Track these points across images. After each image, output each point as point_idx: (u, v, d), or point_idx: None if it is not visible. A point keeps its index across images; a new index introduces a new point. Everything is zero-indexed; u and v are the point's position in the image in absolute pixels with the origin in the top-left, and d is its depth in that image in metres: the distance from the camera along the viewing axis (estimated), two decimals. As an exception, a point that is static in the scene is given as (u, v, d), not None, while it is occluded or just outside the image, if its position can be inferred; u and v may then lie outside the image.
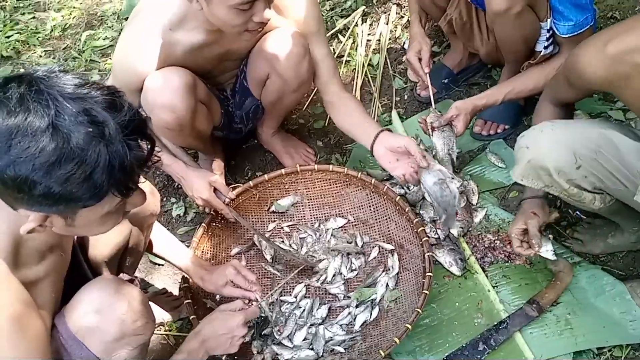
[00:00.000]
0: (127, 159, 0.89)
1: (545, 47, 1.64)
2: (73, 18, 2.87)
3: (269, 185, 1.82)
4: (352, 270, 1.69)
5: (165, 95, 1.46)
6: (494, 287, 1.60)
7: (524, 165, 1.31)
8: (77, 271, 1.20)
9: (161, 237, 1.51)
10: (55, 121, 0.84)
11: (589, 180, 1.27)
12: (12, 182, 0.85)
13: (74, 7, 2.92)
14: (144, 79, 1.48)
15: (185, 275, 1.56)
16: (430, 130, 1.73)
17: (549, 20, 1.58)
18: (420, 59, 1.85)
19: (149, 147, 0.95)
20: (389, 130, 1.67)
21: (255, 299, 1.46)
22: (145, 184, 1.25)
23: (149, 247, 1.48)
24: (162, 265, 1.80)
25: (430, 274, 1.51)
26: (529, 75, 1.68)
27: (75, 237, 1.20)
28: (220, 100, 1.76)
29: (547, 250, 1.45)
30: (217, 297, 1.63)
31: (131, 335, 1.10)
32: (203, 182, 1.57)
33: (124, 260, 1.36)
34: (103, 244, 1.26)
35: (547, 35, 1.62)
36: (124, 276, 1.31)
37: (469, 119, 1.73)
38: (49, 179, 0.85)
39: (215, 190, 1.59)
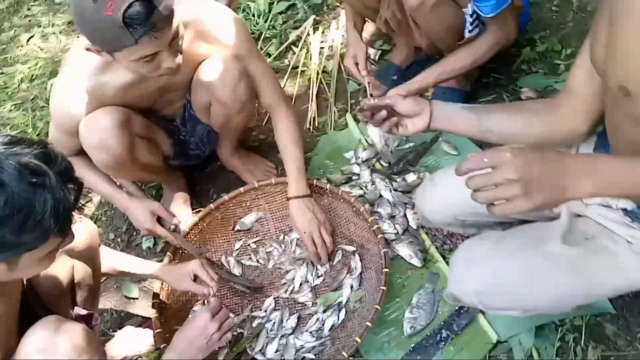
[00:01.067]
0: (69, 202, 0.98)
1: (470, 31, 1.67)
2: (39, 68, 2.96)
3: (231, 205, 1.87)
4: (318, 277, 1.73)
5: (97, 136, 1.52)
6: (454, 273, 1.63)
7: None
8: (34, 314, 1.25)
9: (121, 259, 1.58)
10: (1, 178, 0.92)
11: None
12: None
13: (39, 58, 3.01)
14: (78, 123, 1.54)
15: (154, 307, 1.61)
16: (367, 122, 1.76)
17: (470, 4, 1.61)
18: (357, 64, 1.89)
19: (76, 189, 1.03)
20: (299, 197, 1.70)
21: (209, 294, 1.50)
22: (77, 223, 1.31)
23: (112, 274, 1.54)
24: (137, 298, 1.85)
25: (386, 269, 1.54)
26: (457, 55, 1.71)
27: (25, 282, 1.25)
28: (170, 130, 1.82)
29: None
30: (190, 320, 1.68)
31: None
32: (145, 213, 1.62)
33: (75, 296, 1.41)
34: (48, 284, 1.31)
35: (471, 19, 1.65)
36: (81, 311, 1.36)
37: None
38: (3, 231, 0.93)
39: (160, 218, 1.63)
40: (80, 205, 1.05)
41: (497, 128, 1.27)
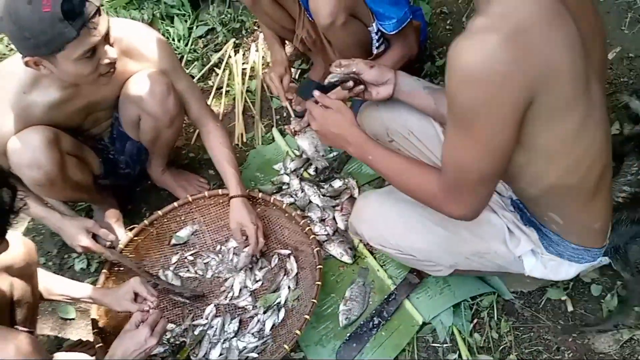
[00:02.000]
0: (3, 205, 0.99)
1: (377, 47, 1.86)
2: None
3: (165, 220, 1.91)
4: (256, 281, 1.81)
5: (27, 155, 1.53)
6: (382, 266, 1.77)
7: None
8: None
9: (57, 281, 1.57)
10: None
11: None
12: None
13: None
14: (5, 144, 1.54)
15: (95, 320, 1.61)
16: (294, 134, 1.90)
17: (374, 24, 1.80)
18: (282, 80, 2.02)
19: (10, 195, 1.04)
20: (242, 196, 1.77)
21: (150, 307, 1.51)
22: (16, 235, 1.33)
23: (49, 297, 1.52)
24: (73, 319, 1.83)
25: (320, 266, 1.65)
26: None
27: None
28: (98, 149, 1.84)
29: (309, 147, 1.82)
30: (130, 335, 1.69)
31: None
32: (79, 230, 1.63)
33: (14, 314, 1.40)
34: None
35: (377, 37, 1.84)
36: (21, 329, 1.35)
37: None
38: None
39: (94, 235, 1.65)
40: (16, 209, 1.05)
41: None
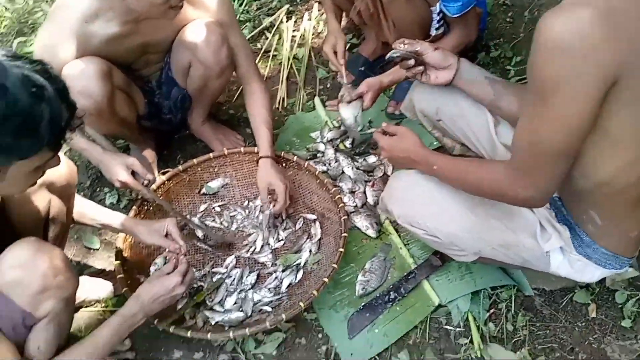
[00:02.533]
0: (64, 118, 1.05)
1: (437, 29, 1.84)
2: (4, 27, 2.92)
3: (199, 169, 1.94)
4: (279, 241, 1.82)
5: (80, 82, 1.57)
6: (405, 244, 1.77)
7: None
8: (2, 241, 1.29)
9: (91, 207, 1.61)
10: (4, 82, 0.98)
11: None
12: None
13: (4, 17, 2.96)
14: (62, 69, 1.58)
15: (120, 250, 1.66)
16: (339, 102, 1.89)
17: (438, 4, 1.78)
18: (335, 52, 2.01)
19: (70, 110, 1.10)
20: (271, 158, 1.79)
21: (181, 252, 1.56)
22: (61, 155, 1.37)
23: (80, 220, 1.57)
24: (97, 249, 1.88)
25: (345, 234, 1.66)
26: None
27: None
28: (144, 91, 1.87)
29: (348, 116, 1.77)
30: (151, 272, 1.73)
31: (54, 288, 1.20)
32: (120, 165, 1.66)
33: (47, 230, 1.45)
34: (25, 213, 1.34)
35: (438, 18, 1.82)
36: None
37: (377, 95, 1.89)
38: (1, 132, 0.98)
39: (133, 173, 1.69)
40: (74, 125, 1.10)
41: (507, 108, 1.42)
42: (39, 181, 1.31)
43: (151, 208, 1.84)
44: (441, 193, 1.39)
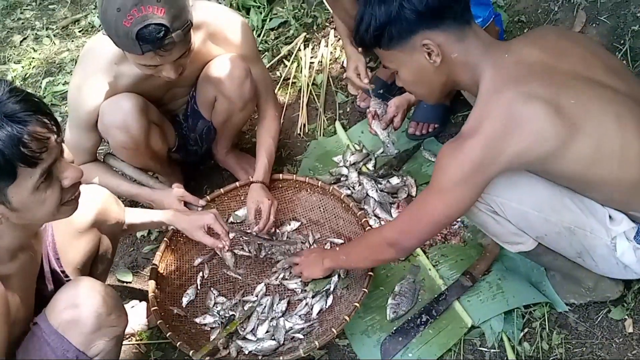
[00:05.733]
0: (20, 134, 1.01)
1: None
2: (33, 68, 3.03)
3: (226, 198, 1.98)
4: (307, 266, 1.84)
5: (119, 117, 1.63)
6: (434, 265, 1.77)
7: None
8: (57, 281, 1.34)
9: (135, 211, 1.66)
10: None
11: None
12: None
13: (33, 58, 3.07)
14: (96, 113, 1.67)
15: (152, 285, 1.69)
16: (371, 118, 1.93)
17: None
18: (358, 74, 2.05)
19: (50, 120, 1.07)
20: (263, 183, 1.87)
21: (224, 247, 1.64)
22: (110, 196, 1.42)
23: (131, 228, 1.64)
24: (130, 282, 1.92)
25: (373, 258, 1.67)
26: None
27: (49, 246, 1.33)
28: (173, 123, 1.93)
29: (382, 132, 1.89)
30: (184, 303, 1.76)
31: (107, 326, 1.23)
32: (172, 199, 1.73)
33: (95, 268, 1.49)
34: (74, 252, 1.39)
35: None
36: None
37: (405, 113, 1.93)
38: None
39: (185, 203, 1.74)
40: (51, 128, 1.07)
41: None
42: (91, 221, 1.36)
43: (180, 239, 1.88)
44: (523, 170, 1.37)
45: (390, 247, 1.43)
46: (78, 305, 1.20)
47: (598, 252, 1.37)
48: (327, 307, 1.71)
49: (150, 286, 1.70)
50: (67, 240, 1.36)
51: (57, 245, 1.34)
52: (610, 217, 1.34)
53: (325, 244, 1.88)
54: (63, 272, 1.35)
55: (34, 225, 1.21)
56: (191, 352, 1.52)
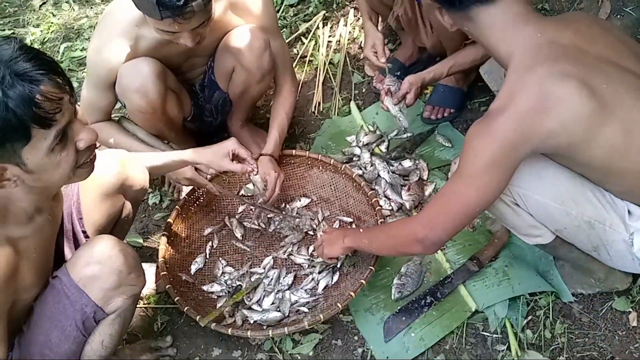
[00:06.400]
0: (32, 93, 0.99)
1: (475, 34, 1.84)
2: (51, 32, 3.04)
3: (238, 170, 1.98)
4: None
5: (137, 81, 1.64)
6: (441, 249, 1.78)
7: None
8: (77, 240, 1.36)
9: (157, 155, 1.65)
10: None
11: None
12: None
13: (52, 23, 3.08)
14: (115, 73, 1.67)
15: (162, 251, 1.71)
16: (384, 94, 1.92)
17: (478, 8, 1.78)
18: (376, 52, 2.04)
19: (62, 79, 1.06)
20: (272, 156, 1.87)
21: (252, 170, 1.64)
22: (137, 163, 1.43)
23: (156, 173, 1.65)
24: (140, 247, 1.94)
25: (382, 237, 1.68)
26: (467, 52, 1.89)
27: (73, 205, 1.35)
28: (189, 93, 1.94)
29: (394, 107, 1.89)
30: (192, 270, 1.79)
31: (126, 285, 1.26)
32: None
33: (115, 232, 1.51)
34: (98, 214, 1.41)
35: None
36: None
37: (419, 91, 1.92)
38: None
39: (196, 169, 1.77)
40: (64, 88, 1.05)
41: None
42: (118, 186, 1.37)
43: (191, 208, 1.90)
44: (541, 161, 1.35)
45: (418, 243, 1.34)
46: (100, 262, 1.22)
47: (615, 247, 1.37)
48: (333, 283, 1.73)
49: (160, 251, 1.72)
50: (92, 202, 1.38)
51: (81, 206, 1.36)
52: (629, 211, 1.33)
53: (335, 222, 1.89)
54: (84, 232, 1.37)
55: (50, 188, 1.21)
56: (198, 317, 1.54)
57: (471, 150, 1.24)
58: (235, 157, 1.64)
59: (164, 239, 1.75)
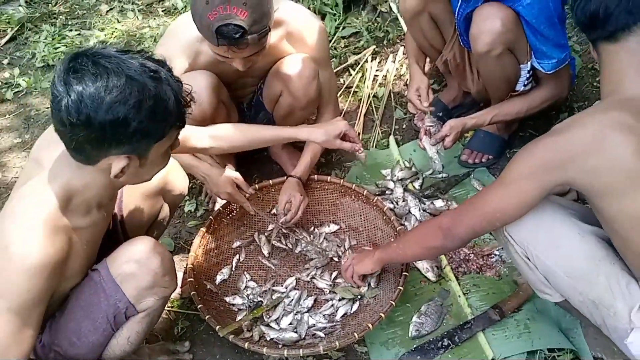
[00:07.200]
0: (181, 94, 1.17)
1: (525, 85, 1.88)
2: (114, 37, 3.21)
3: (273, 190, 2.04)
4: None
5: (194, 89, 1.72)
6: (464, 293, 1.77)
7: None
8: (115, 236, 1.43)
9: (265, 127, 1.79)
10: (128, 73, 1.09)
11: None
12: (110, 125, 1.07)
13: (116, 29, 3.26)
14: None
15: (191, 258, 1.77)
16: (423, 133, 1.96)
17: (529, 62, 1.81)
18: (419, 96, 2.09)
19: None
20: (299, 179, 1.96)
21: (359, 149, 1.72)
22: (179, 168, 1.51)
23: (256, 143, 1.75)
24: (172, 252, 2.00)
25: (406, 273, 1.69)
26: (513, 102, 1.92)
27: (117, 208, 1.42)
28: (238, 109, 2.02)
29: (431, 148, 1.94)
30: (217, 280, 1.83)
31: (160, 286, 1.32)
32: (226, 179, 1.80)
33: (151, 232, 1.58)
34: (138, 213, 1.48)
35: (527, 75, 1.85)
36: None
37: (459, 136, 1.95)
38: (140, 115, 1.09)
39: (237, 186, 1.82)
40: (187, 101, 1.21)
41: None
42: (158, 188, 1.45)
43: (224, 220, 1.95)
44: (566, 229, 1.37)
45: (440, 231, 1.41)
46: (139, 261, 1.28)
47: (617, 332, 1.36)
48: (351, 312, 1.74)
49: (190, 258, 1.78)
50: (133, 201, 1.45)
51: (122, 204, 1.43)
52: None
53: (360, 252, 1.91)
54: (123, 228, 1.44)
55: (120, 186, 1.31)
56: (217, 327, 1.58)
57: (513, 160, 1.31)
58: (345, 137, 1.70)
59: (194, 247, 1.81)
